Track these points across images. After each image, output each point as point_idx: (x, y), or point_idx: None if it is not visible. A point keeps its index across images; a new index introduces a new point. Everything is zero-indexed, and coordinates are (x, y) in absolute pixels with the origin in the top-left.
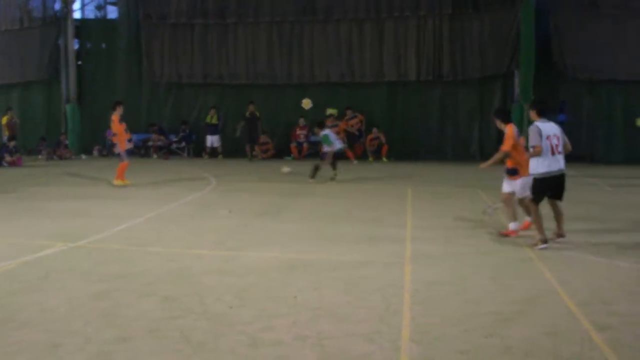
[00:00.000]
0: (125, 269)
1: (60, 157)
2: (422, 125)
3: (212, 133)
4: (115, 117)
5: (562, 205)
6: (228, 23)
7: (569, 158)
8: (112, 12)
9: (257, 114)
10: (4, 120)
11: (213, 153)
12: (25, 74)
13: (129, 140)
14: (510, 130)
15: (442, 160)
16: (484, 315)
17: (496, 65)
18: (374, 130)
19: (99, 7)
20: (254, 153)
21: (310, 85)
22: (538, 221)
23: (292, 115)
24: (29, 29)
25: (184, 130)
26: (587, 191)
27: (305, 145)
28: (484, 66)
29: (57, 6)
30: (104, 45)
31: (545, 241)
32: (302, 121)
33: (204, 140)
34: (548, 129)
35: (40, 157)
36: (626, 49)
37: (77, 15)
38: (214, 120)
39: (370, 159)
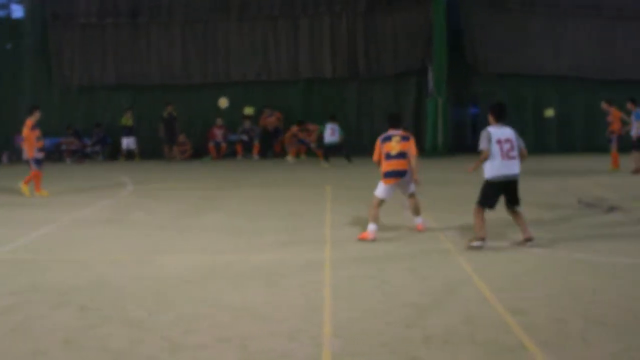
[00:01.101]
0: (37, 280)
1: None
2: (339, 121)
3: (128, 135)
4: (29, 121)
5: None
6: (140, 23)
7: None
8: (17, 11)
9: (175, 114)
10: None
11: (129, 155)
12: None
13: (40, 150)
14: (377, 141)
15: (359, 156)
16: (403, 306)
17: (410, 61)
18: (293, 127)
19: (3, 6)
20: (172, 154)
21: (227, 84)
22: (479, 222)
23: (209, 115)
24: None
25: (98, 134)
26: None
27: (223, 145)
28: (398, 62)
29: None
30: (8, 46)
31: (482, 239)
32: (219, 121)
33: (119, 143)
34: (499, 133)
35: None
36: (533, 43)
37: None
38: (130, 123)
39: (289, 157)
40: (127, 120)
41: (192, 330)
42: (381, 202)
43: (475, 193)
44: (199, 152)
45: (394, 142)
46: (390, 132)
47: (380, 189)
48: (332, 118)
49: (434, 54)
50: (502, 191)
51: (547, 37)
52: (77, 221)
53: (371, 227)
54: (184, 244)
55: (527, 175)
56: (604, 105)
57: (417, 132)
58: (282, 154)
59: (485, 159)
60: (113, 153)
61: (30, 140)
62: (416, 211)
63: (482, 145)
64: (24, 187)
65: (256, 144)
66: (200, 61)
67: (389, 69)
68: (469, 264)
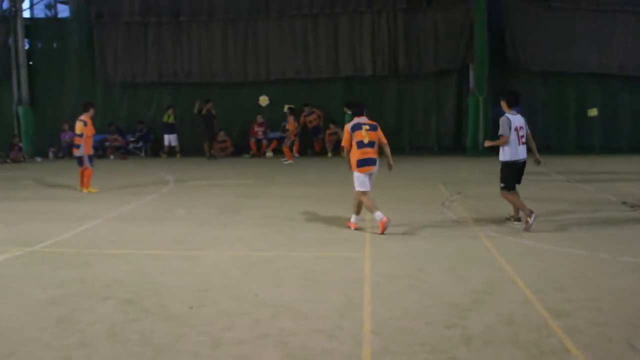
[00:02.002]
0: (82, 273)
1: (14, 161)
2: (378, 119)
3: (170, 132)
4: (86, 117)
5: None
6: (182, 21)
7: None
8: (63, 11)
9: (214, 112)
10: None
11: (171, 152)
12: None
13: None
14: (346, 128)
15: (400, 154)
16: (443, 306)
17: (451, 59)
18: (332, 125)
19: (49, 6)
20: (213, 151)
21: (266, 82)
22: (517, 201)
23: (249, 112)
24: None
25: (141, 130)
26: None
27: (264, 142)
28: (438, 60)
29: (5, 5)
30: (55, 45)
31: (531, 212)
32: (259, 118)
33: (161, 140)
34: (517, 120)
35: None
36: (577, 41)
37: (26, 14)
38: (171, 120)
39: (329, 154)
40: (169, 117)
41: (232, 325)
42: (364, 193)
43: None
44: (239, 149)
45: (364, 131)
46: (357, 120)
47: (359, 181)
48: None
49: (474, 51)
50: (516, 173)
51: (592, 34)
52: (121, 216)
53: (378, 214)
54: (225, 240)
55: (569, 175)
56: None
57: (458, 130)
58: (322, 152)
59: (504, 143)
60: (155, 150)
61: (89, 137)
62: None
63: (504, 131)
64: (89, 190)
65: (296, 142)
66: (241, 59)
67: (430, 66)
68: (510, 264)
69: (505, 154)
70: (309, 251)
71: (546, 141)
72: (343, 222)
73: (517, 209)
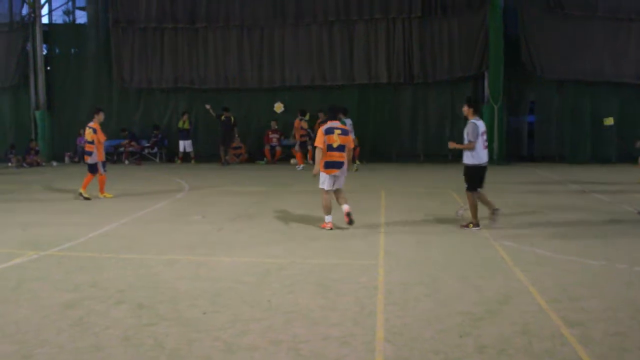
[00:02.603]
0: (97, 277)
1: (31, 165)
2: (394, 127)
3: (185, 138)
4: (96, 124)
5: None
6: (198, 27)
7: (539, 159)
8: (81, 17)
9: (233, 119)
10: None
11: (186, 158)
12: None
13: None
14: (320, 130)
15: (414, 162)
16: (457, 315)
17: (466, 66)
18: None
19: (67, 12)
20: (227, 157)
21: (282, 88)
22: (479, 203)
23: (264, 119)
24: None
25: (156, 136)
26: (567, 195)
27: (278, 148)
28: (454, 68)
29: (25, 11)
30: (73, 51)
31: (478, 225)
32: (274, 124)
33: (176, 145)
34: (482, 126)
35: (9, 164)
36: (592, 49)
37: (45, 20)
38: (186, 126)
39: None
40: (184, 123)
41: (246, 331)
42: (327, 192)
43: (531, 203)
44: (253, 156)
45: (335, 135)
46: (331, 124)
47: (322, 180)
48: (346, 112)
49: (490, 59)
50: (481, 175)
51: (608, 43)
52: (135, 221)
53: (328, 217)
54: (239, 246)
55: (585, 184)
56: None
57: None
58: None
59: (472, 148)
60: (170, 155)
61: (101, 143)
62: (344, 200)
63: (473, 137)
64: (105, 195)
65: (310, 148)
66: (256, 66)
67: (445, 74)
68: (524, 274)
69: (470, 158)
70: (323, 258)
71: (561, 150)
72: (357, 230)
73: (490, 206)
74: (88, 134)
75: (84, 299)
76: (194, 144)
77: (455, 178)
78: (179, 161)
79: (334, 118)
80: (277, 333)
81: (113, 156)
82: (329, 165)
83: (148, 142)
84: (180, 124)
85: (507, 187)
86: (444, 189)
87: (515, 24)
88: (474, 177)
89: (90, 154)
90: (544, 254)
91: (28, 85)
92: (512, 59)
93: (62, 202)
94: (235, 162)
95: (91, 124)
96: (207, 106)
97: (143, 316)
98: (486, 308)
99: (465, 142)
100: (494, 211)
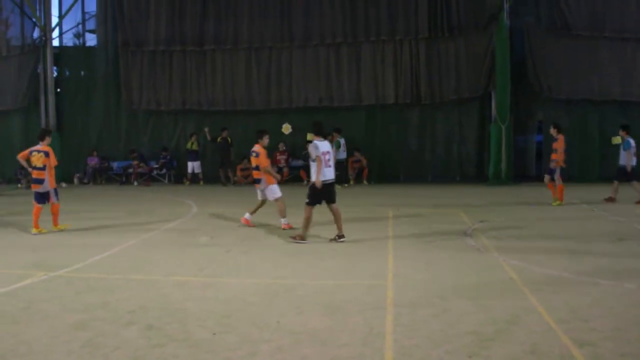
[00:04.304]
0: (106, 298)
1: None
2: (401, 148)
3: (193, 159)
4: (45, 147)
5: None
6: (206, 50)
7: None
8: (91, 40)
9: (229, 139)
10: None
11: (194, 179)
12: (4, 102)
13: (37, 181)
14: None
15: (422, 182)
16: (465, 335)
17: (473, 87)
18: (356, 153)
19: (78, 35)
20: (235, 178)
21: (289, 110)
22: (306, 222)
23: (272, 140)
24: (7, 58)
25: (165, 157)
26: (576, 215)
27: (285, 170)
28: (460, 88)
29: (36, 34)
30: (82, 73)
31: (304, 238)
32: (281, 146)
33: (185, 167)
34: (324, 146)
35: (19, 185)
36: (599, 69)
37: (55, 43)
38: (195, 147)
39: (351, 182)
40: (193, 144)
41: (255, 352)
42: (281, 199)
43: (539, 222)
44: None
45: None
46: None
47: (273, 191)
48: (340, 131)
49: (496, 79)
50: (326, 192)
51: (615, 62)
52: (143, 242)
53: (284, 220)
54: (247, 267)
55: (592, 204)
56: (552, 131)
57: (480, 159)
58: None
59: (319, 166)
60: (178, 177)
61: (52, 168)
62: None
63: (314, 155)
64: (60, 227)
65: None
66: (264, 87)
67: (452, 95)
68: (533, 294)
69: (314, 176)
70: (331, 279)
71: (569, 169)
72: (365, 250)
73: (339, 225)
74: (38, 159)
75: (93, 319)
76: (202, 165)
77: (464, 198)
78: (187, 182)
79: (319, 133)
80: (286, 354)
81: (122, 177)
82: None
83: (157, 164)
84: (188, 145)
85: (515, 207)
86: (452, 209)
87: (521, 44)
88: (316, 194)
89: (40, 182)
90: (552, 273)
91: (38, 107)
92: (519, 79)
93: (69, 223)
94: (244, 182)
95: (39, 147)
96: (206, 129)
97: (152, 337)
98: (495, 328)
99: (311, 161)
100: (338, 237)
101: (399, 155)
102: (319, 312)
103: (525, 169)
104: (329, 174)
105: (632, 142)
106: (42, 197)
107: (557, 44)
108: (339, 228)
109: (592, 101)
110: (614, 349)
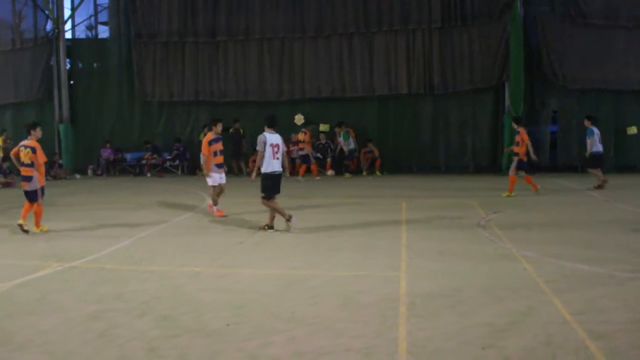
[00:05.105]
0: (120, 289)
1: (55, 177)
2: (414, 138)
3: None
4: (33, 142)
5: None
6: (219, 41)
7: (562, 169)
8: (104, 32)
9: (242, 131)
10: (0, 141)
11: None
12: (18, 95)
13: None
14: (206, 141)
15: (435, 173)
16: (479, 327)
17: (486, 77)
18: (369, 144)
19: (90, 27)
20: (248, 169)
21: (302, 101)
22: (275, 210)
23: (284, 131)
24: (21, 50)
25: (178, 148)
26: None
27: (297, 161)
28: (474, 78)
29: (49, 27)
30: (95, 65)
31: (290, 216)
32: (294, 137)
33: (198, 158)
34: (272, 138)
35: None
36: (615, 58)
37: (68, 35)
38: None
39: (364, 172)
40: (205, 136)
41: (269, 343)
42: (214, 187)
43: (554, 213)
44: None
45: (220, 144)
46: (216, 136)
47: (212, 180)
48: (341, 125)
49: (510, 69)
50: (275, 183)
51: (630, 51)
52: (157, 234)
53: (215, 207)
54: (261, 258)
55: (608, 195)
56: (513, 125)
57: (494, 149)
58: (357, 170)
59: (260, 158)
60: (191, 168)
61: (41, 165)
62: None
63: (260, 147)
64: (41, 229)
65: (329, 160)
66: (276, 78)
67: (465, 85)
68: (548, 285)
69: (264, 167)
70: (345, 270)
71: (583, 160)
72: (379, 241)
73: (272, 218)
74: (25, 155)
75: (108, 310)
76: None
77: (477, 189)
78: (200, 173)
79: (271, 126)
80: (300, 345)
81: (135, 169)
82: (219, 166)
83: (170, 155)
84: (201, 137)
85: (528, 197)
86: (465, 199)
87: (535, 33)
88: (269, 185)
89: (29, 179)
90: (567, 264)
91: (52, 99)
92: (533, 68)
93: (84, 216)
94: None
95: (27, 142)
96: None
97: (167, 328)
98: (509, 320)
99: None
100: (268, 226)
101: (411, 145)
102: (333, 303)
103: (540, 159)
104: (277, 166)
105: (595, 130)
106: (32, 196)
107: (571, 33)
108: (271, 219)
109: (608, 91)
110: (630, 342)
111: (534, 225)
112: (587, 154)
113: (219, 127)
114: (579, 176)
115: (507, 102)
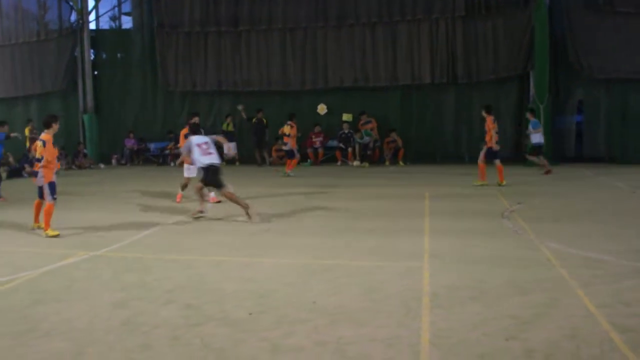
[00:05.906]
0: (144, 278)
1: (79, 167)
2: (437, 128)
3: (229, 140)
4: (47, 136)
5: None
6: (241, 30)
7: (588, 159)
8: (127, 23)
9: (265, 121)
10: (26, 131)
11: (230, 160)
12: (43, 85)
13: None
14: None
15: (458, 163)
16: (503, 318)
17: (511, 66)
18: (392, 134)
19: (114, 18)
20: (271, 159)
21: (324, 90)
22: (235, 199)
23: (307, 121)
24: (45, 41)
25: None
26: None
27: (320, 150)
28: (498, 68)
29: (73, 18)
30: (119, 55)
31: (202, 212)
32: (317, 128)
33: (220, 148)
34: (198, 139)
35: (59, 167)
36: None
37: (92, 26)
38: (230, 128)
39: (387, 162)
40: (228, 125)
41: (291, 332)
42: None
43: (579, 204)
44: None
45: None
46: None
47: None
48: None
49: (535, 59)
50: (216, 173)
51: None
52: (180, 223)
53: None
54: (284, 247)
55: (635, 186)
56: (483, 113)
57: (518, 139)
58: (380, 159)
59: (188, 161)
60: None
61: (51, 162)
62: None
63: (184, 151)
64: (49, 233)
65: (350, 150)
66: (299, 68)
67: (489, 74)
68: (572, 277)
69: (199, 163)
70: (367, 260)
71: (610, 150)
72: (402, 232)
73: (203, 203)
74: (38, 148)
75: (133, 299)
76: (238, 146)
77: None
78: (223, 163)
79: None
80: (323, 334)
81: (159, 158)
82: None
83: None
84: (224, 126)
85: (553, 188)
86: (489, 190)
87: (561, 22)
88: (215, 177)
89: (36, 174)
90: (591, 256)
91: (76, 90)
92: (559, 58)
93: (109, 204)
94: (280, 163)
95: (42, 136)
96: (240, 107)
97: (190, 316)
98: (533, 311)
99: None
100: (200, 212)
101: (435, 135)
102: (355, 292)
103: (565, 150)
104: (209, 160)
105: (537, 121)
106: (41, 191)
107: (598, 22)
108: (202, 204)
109: (635, 81)
110: None
111: (558, 216)
112: (535, 142)
113: (196, 118)
114: (606, 167)
115: (532, 91)
